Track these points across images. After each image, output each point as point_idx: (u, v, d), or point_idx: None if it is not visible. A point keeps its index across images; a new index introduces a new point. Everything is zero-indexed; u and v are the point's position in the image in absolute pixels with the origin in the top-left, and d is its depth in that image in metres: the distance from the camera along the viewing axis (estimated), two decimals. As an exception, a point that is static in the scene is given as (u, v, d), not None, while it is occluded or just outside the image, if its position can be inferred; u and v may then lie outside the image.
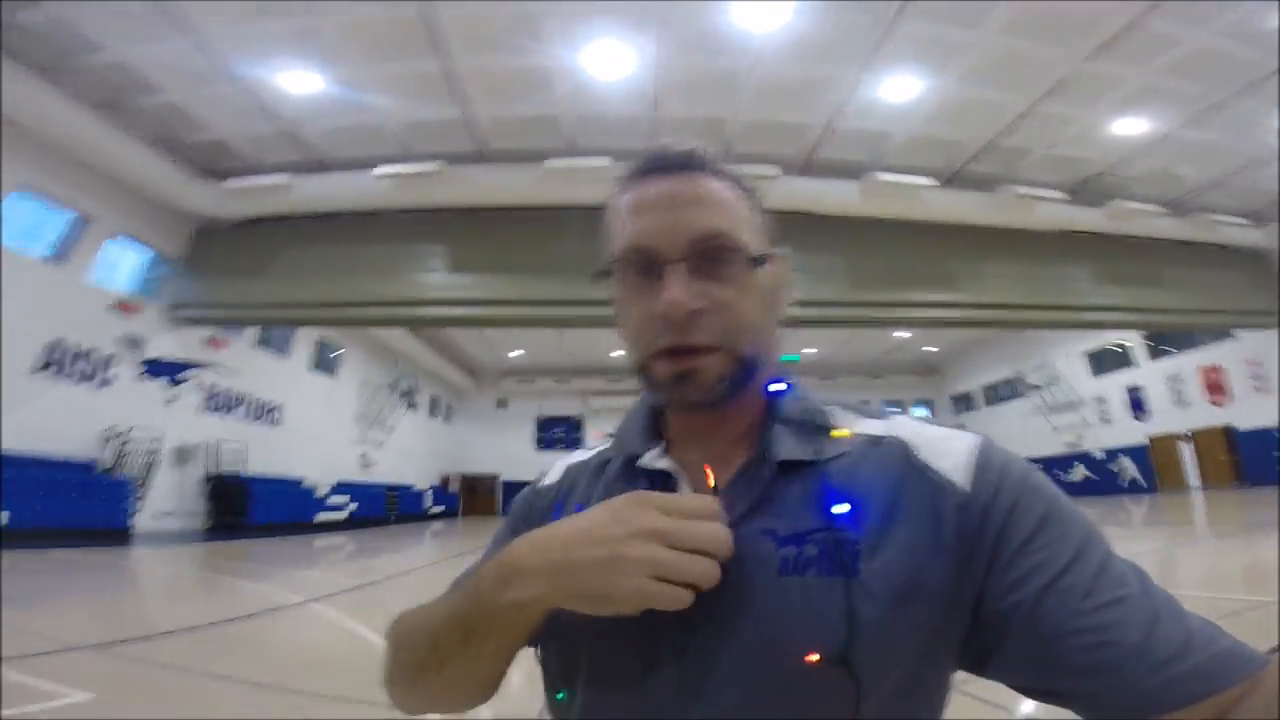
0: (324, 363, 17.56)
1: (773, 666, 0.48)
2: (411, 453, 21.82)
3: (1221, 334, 15.98)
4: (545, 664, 0.60)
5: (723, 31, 8.43)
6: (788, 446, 0.56)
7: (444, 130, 10.55)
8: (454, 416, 26.06)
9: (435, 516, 22.37)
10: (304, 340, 16.33)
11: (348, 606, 5.65)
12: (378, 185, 11.02)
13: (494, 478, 25.67)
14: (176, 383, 11.88)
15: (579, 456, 0.72)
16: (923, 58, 9.03)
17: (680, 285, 0.54)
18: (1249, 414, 15.52)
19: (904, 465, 0.54)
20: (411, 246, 11.86)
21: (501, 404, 26.33)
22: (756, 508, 0.54)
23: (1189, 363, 17.33)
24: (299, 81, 9.41)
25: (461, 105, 9.92)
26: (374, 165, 10.99)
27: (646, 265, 0.57)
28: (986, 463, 0.53)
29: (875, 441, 0.56)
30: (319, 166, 11.45)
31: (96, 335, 10.44)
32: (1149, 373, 18.60)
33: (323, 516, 15.19)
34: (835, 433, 0.58)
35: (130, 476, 10.45)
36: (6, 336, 8.94)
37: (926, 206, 11.96)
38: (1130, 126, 10.81)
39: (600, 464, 0.67)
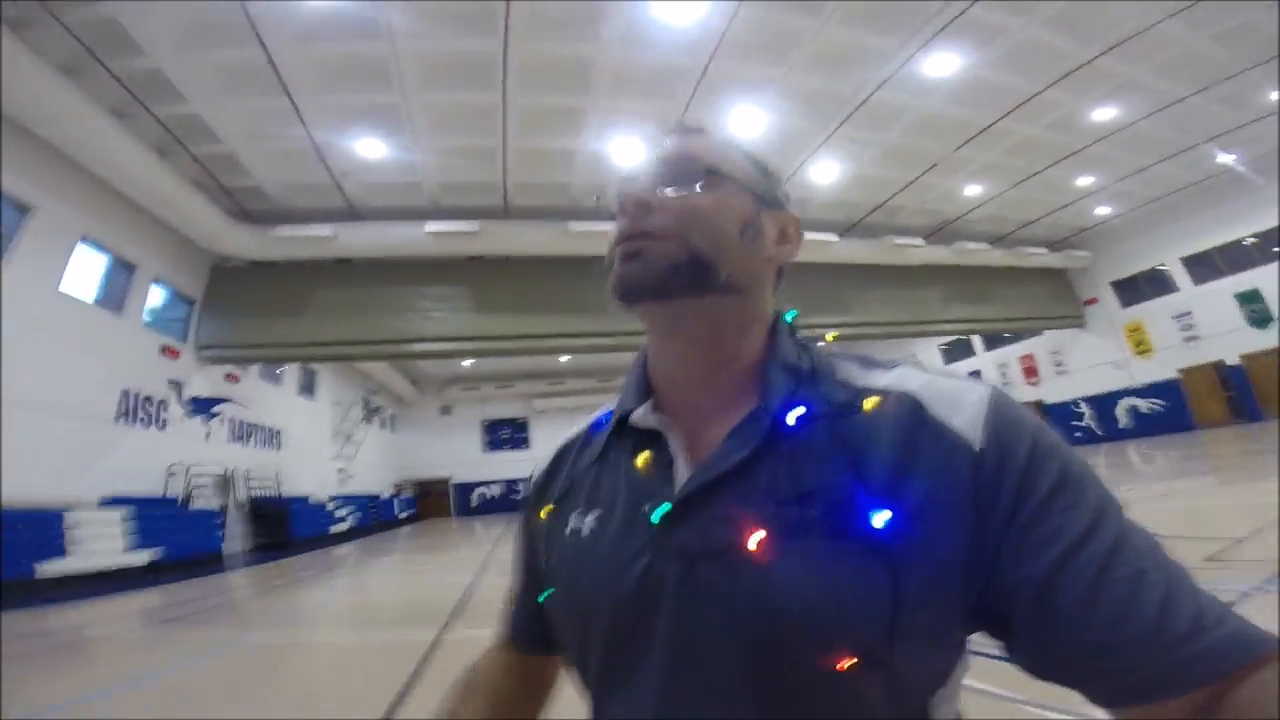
0: (307, 386, 18.47)
1: (767, 634, 0.46)
2: (373, 464, 22.88)
3: (1034, 333, 21.28)
4: (573, 672, 0.61)
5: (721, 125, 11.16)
6: (789, 398, 0.54)
7: (475, 189, 12.36)
8: (400, 426, 26.95)
9: (404, 521, 23.97)
10: (291, 367, 17.23)
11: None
12: (419, 237, 12.50)
13: (445, 481, 27.11)
14: (211, 418, 12.86)
15: (570, 433, 0.73)
16: (845, 150, 12.46)
17: (644, 187, 0.59)
18: (1054, 391, 21.03)
19: (915, 422, 0.51)
20: (438, 288, 13.58)
21: (446, 410, 27.47)
22: (754, 465, 0.51)
23: (1012, 353, 22.79)
24: (366, 148, 10.60)
25: (499, 173, 11.87)
26: (403, 216, 12.51)
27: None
28: (998, 416, 0.50)
29: (884, 394, 0.53)
30: (350, 214, 12.61)
31: (152, 380, 11.34)
32: (985, 360, 23.91)
33: (334, 529, 16.50)
34: (841, 383, 0.56)
35: (211, 508, 11.60)
36: (85, 386, 9.68)
37: (832, 253, 15.49)
38: (974, 189, 15.04)
39: (587, 433, 0.70)
